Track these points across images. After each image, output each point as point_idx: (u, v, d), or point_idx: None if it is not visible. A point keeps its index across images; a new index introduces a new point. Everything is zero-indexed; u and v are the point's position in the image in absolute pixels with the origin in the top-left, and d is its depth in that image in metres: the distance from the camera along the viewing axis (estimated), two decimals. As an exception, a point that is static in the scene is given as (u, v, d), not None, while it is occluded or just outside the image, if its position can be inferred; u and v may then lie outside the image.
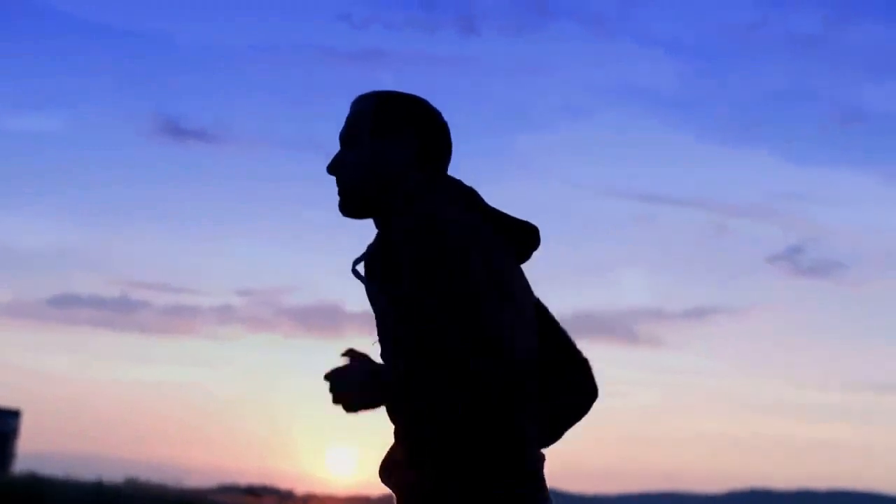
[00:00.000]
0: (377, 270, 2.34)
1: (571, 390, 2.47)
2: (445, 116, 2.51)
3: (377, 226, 2.45)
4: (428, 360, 2.18)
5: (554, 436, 2.46)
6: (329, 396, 2.19)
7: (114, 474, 23.38)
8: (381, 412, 2.27)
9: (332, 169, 2.48)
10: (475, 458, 2.21)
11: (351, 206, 2.46)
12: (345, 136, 2.48)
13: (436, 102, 2.50)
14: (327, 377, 2.20)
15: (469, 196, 2.40)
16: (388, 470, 2.37)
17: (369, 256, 2.39)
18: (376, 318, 2.39)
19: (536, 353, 2.35)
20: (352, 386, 2.18)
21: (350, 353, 2.22)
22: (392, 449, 2.38)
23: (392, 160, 2.42)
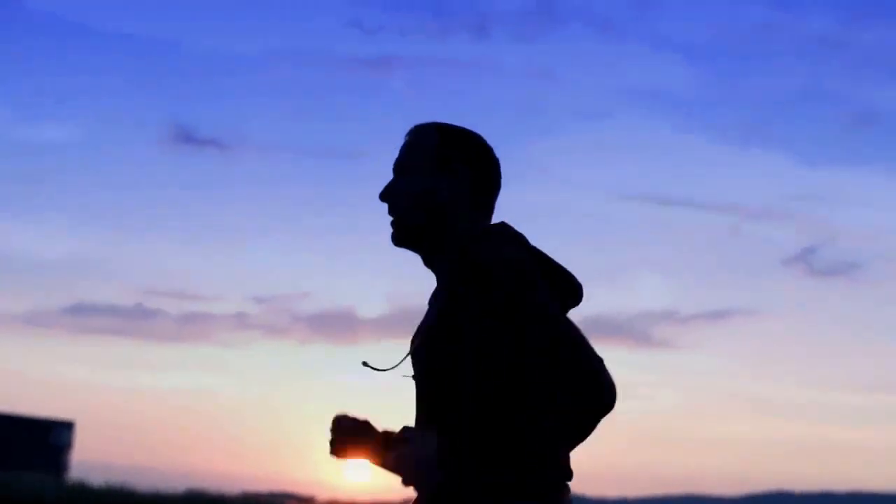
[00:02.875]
0: (441, 316, 2.25)
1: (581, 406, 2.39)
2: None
3: (425, 261, 2.39)
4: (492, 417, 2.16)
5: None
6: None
7: (141, 481, 23.09)
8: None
9: (384, 196, 2.40)
10: (503, 466, 2.15)
11: (402, 236, 2.38)
12: (401, 165, 2.41)
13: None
14: (335, 422, 2.26)
15: (519, 238, 2.32)
16: None
17: (433, 297, 2.34)
18: (419, 379, 2.31)
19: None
20: (357, 447, 2.23)
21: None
22: None
23: (446, 195, 2.35)
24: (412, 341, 2.35)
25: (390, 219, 2.39)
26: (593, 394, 2.13)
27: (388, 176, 2.43)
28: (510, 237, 2.30)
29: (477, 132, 2.43)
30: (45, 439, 36.10)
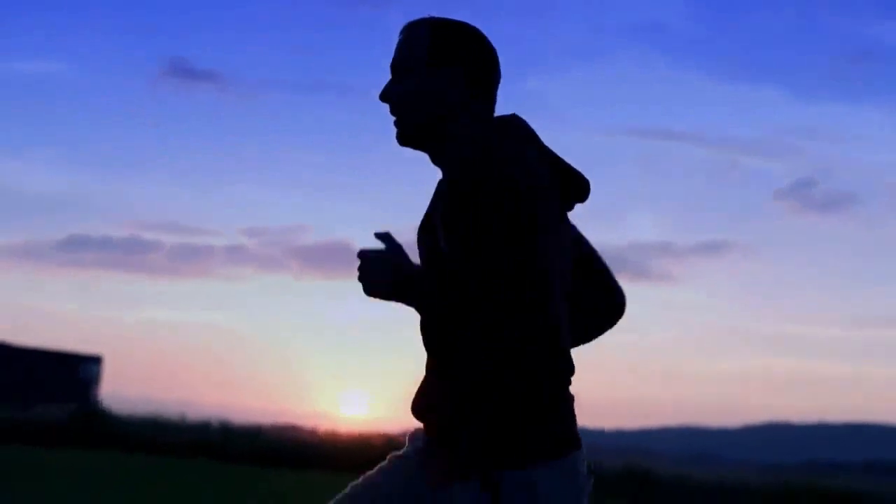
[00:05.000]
0: (451, 214, 2.17)
1: (599, 308, 2.43)
2: None
3: (432, 159, 2.30)
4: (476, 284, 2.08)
5: (583, 340, 2.44)
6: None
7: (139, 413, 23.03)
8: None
9: (384, 97, 2.31)
10: (510, 389, 2.11)
11: (406, 136, 2.29)
12: (397, 65, 2.31)
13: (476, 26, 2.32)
14: (360, 255, 2.14)
15: (527, 136, 2.25)
16: (423, 407, 2.26)
17: (439, 195, 2.26)
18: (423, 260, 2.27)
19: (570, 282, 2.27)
20: (381, 273, 2.11)
21: (385, 237, 2.15)
22: (424, 385, 2.26)
23: (447, 90, 2.26)
24: (419, 229, 2.29)
25: (393, 119, 2.30)
26: (608, 296, 2.16)
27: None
28: (516, 128, 2.25)
29: (469, 23, 2.32)
30: (74, 373, 36.23)
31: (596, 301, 2.41)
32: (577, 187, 2.26)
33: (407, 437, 2.34)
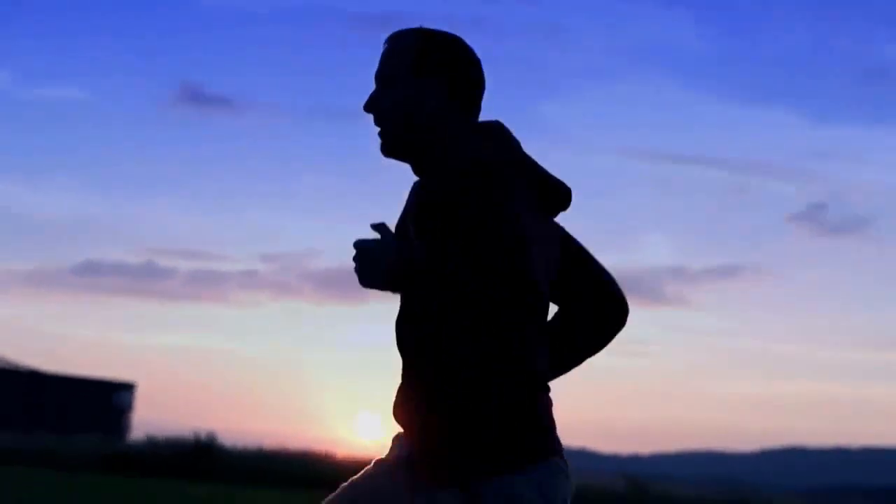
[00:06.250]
0: (420, 214, 2.16)
1: (597, 319, 2.33)
2: None
3: (414, 169, 2.26)
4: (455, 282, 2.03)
5: (578, 360, 2.35)
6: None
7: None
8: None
9: (368, 107, 2.27)
10: (486, 395, 2.08)
11: (390, 147, 2.25)
12: (381, 74, 2.27)
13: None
14: (356, 245, 2.08)
15: (506, 139, 2.22)
16: (401, 412, 2.22)
17: (412, 197, 2.23)
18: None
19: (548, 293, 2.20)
20: (377, 261, 2.06)
21: (381, 227, 2.11)
22: (401, 390, 2.22)
23: (431, 100, 2.22)
24: (397, 228, 2.26)
25: (377, 130, 2.26)
26: (611, 304, 2.11)
27: None
28: (496, 137, 2.22)
29: (455, 34, 2.29)
30: (107, 401, 36.26)
31: (593, 306, 2.31)
32: (557, 195, 2.22)
33: (392, 441, 2.30)
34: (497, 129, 2.24)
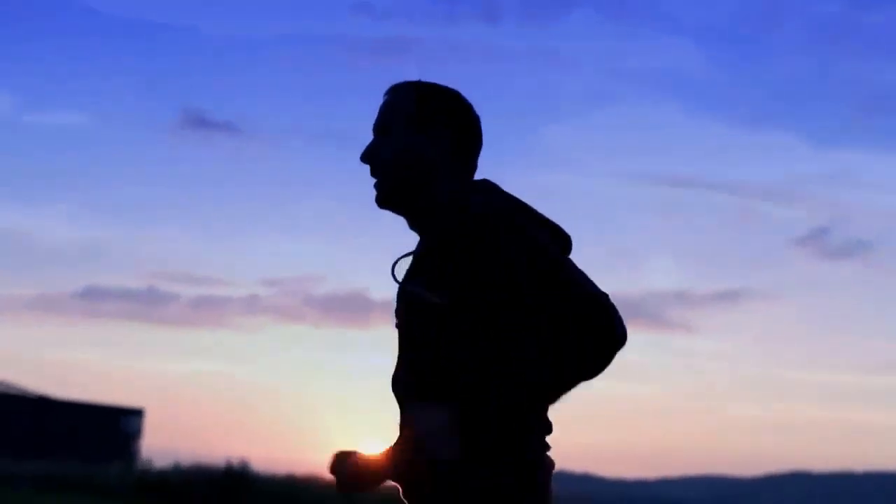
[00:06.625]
0: (428, 270, 2.12)
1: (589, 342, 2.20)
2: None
3: (411, 223, 2.23)
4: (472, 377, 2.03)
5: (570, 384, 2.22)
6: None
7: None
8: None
9: (366, 158, 2.24)
10: (477, 443, 2.03)
11: (386, 197, 2.22)
12: (380, 126, 2.25)
13: (460, 91, 2.27)
14: (331, 470, 2.16)
15: (504, 193, 2.18)
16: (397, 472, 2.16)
17: (415, 257, 2.18)
18: (402, 327, 2.18)
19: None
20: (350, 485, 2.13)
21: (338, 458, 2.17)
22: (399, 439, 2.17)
23: (428, 153, 2.20)
24: (398, 297, 2.22)
25: (373, 181, 2.24)
26: (606, 324, 2.00)
27: None
28: (494, 191, 2.18)
29: (455, 89, 2.27)
30: (116, 427, 36.16)
31: (582, 325, 2.14)
32: (560, 239, 2.18)
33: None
34: (492, 184, 2.21)
